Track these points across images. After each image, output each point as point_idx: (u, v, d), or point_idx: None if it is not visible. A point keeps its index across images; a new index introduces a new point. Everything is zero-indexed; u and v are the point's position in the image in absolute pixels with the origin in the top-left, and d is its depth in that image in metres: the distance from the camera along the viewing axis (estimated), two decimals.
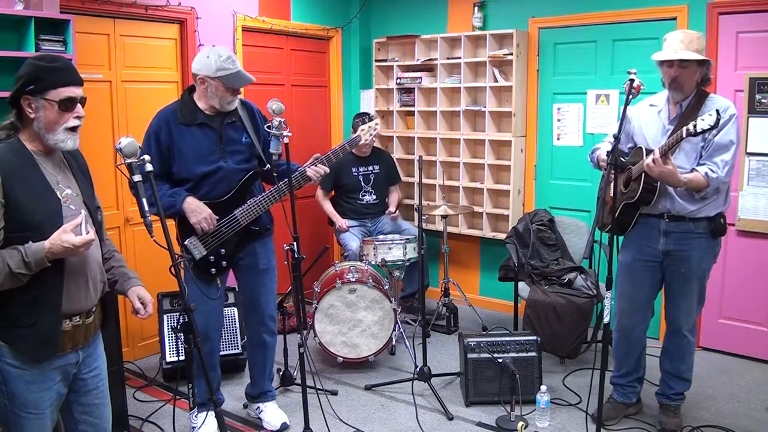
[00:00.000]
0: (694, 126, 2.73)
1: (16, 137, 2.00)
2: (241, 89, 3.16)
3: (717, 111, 2.70)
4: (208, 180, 3.11)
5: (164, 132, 3.06)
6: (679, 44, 2.94)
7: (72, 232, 1.90)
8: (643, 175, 3.00)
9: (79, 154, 2.22)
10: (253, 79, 3.13)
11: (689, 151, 3.00)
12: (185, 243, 3.12)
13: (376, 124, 3.52)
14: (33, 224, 1.92)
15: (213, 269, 3.14)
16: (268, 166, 3.09)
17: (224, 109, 3.10)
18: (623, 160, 3.24)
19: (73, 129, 2.01)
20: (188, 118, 3.08)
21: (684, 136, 2.78)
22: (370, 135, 3.49)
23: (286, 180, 3.08)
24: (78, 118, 2.02)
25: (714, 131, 2.89)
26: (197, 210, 3.04)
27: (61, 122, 1.98)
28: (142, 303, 2.23)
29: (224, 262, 3.16)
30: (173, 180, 3.13)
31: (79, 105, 2.02)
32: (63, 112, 1.98)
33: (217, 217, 3.09)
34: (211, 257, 3.13)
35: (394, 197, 5.13)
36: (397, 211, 5.05)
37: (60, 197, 2.00)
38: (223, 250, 3.14)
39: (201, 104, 3.12)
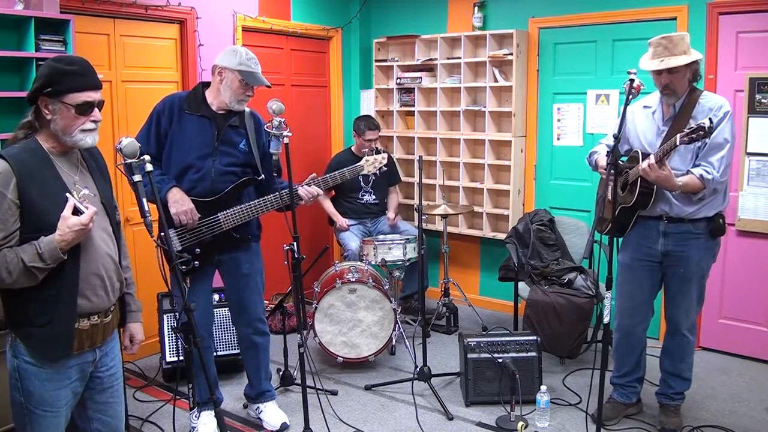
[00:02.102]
0: (690, 138, 2.72)
1: (33, 137, 2.02)
2: (254, 92, 3.14)
3: (710, 120, 2.70)
4: (192, 174, 3.08)
5: (166, 115, 3.08)
6: (664, 51, 2.93)
7: (73, 216, 1.91)
8: (639, 179, 3.01)
9: (99, 153, 2.23)
10: (269, 84, 3.15)
11: (684, 153, 3.00)
12: (161, 233, 3.11)
13: (383, 158, 3.42)
14: (48, 225, 1.92)
15: (183, 267, 3.12)
16: (262, 176, 3.10)
17: (232, 107, 3.09)
18: (620, 163, 3.24)
19: (90, 129, 2.03)
20: (193, 107, 3.11)
21: (677, 144, 2.78)
22: (375, 168, 3.40)
23: (276, 194, 3.10)
24: (94, 121, 2.03)
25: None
26: (179, 201, 3.02)
27: (77, 125, 2.00)
28: (131, 341, 2.33)
29: (196, 262, 3.12)
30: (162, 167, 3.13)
31: (96, 109, 2.03)
32: (79, 116, 1.99)
33: (199, 216, 3.07)
34: (184, 254, 3.11)
35: (393, 201, 5.12)
36: (396, 217, 5.03)
37: (76, 198, 2.01)
38: (197, 250, 3.11)
39: (210, 98, 3.13)
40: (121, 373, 2.27)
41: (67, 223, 1.90)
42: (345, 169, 3.39)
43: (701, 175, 2.93)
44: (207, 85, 3.17)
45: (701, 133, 2.70)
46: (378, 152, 3.45)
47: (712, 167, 2.94)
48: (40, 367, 1.99)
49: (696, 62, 2.98)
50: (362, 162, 3.40)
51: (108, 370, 2.19)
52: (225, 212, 3.11)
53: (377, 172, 3.45)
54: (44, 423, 2.02)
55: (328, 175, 3.31)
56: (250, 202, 3.14)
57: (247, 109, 3.19)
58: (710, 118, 2.72)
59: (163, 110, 3.10)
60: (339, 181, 3.34)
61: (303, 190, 3.17)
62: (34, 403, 2.00)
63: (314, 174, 3.27)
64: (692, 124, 2.96)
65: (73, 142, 2.01)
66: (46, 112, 1.99)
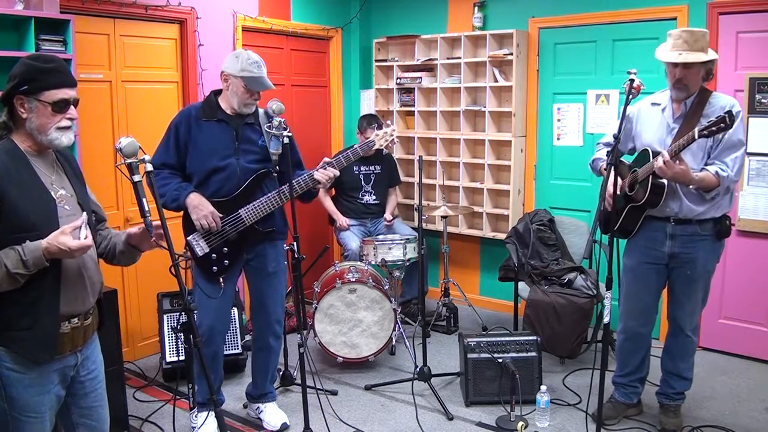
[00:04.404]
0: (710, 131, 2.71)
1: (9, 137, 1.99)
2: (260, 95, 3.17)
3: (730, 112, 2.68)
4: (218, 176, 3.12)
5: (184, 126, 3.14)
6: (683, 44, 2.90)
7: (70, 235, 1.89)
8: (650, 177, 2.99)
9: (72, 156, 2.21)
10: (273, 87, 3.16)
11: (696, 151, 2.98)
12: (188, 239, 3.13)
13: (393, 131, 3.37)
14: (28, 225, 1.90)
15: (214, 267, 3.14)
16: (277, 168, 3.12)
17: (241, 111, 3.14)
18: (625, 161, 3.24)
19: (66, 127, 2.00)
20: (209, 114, 3.16)
21: (696, 137, 2.76)
22: (385, 141, 3.35)
23: (282, 188, 3.11)
24: (70, 119, 2.01)
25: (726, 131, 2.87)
26: (199, 206, 3.06)
27: (53, 123, 1.97)
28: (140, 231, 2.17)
29: (226, 261, 3.15)
30: (186, 174, 3.18)
31: (72, 107, 2.01)
32: (56, 114, 1.97)
33: (221, 216, 3.09)
34: (213, 255, 3.13)
35: (391, 202, 5.12)
36: (393, 219, 5.02)
37: (54, 197, 1.99)
38: (225, 249, 3.14)
39: (224, 104, 3.18)
40: (103, 376, 2.23)
41: (59, 238, 1.87)
42: (356, 145, 3.35)
43: (716, 172, 2.90)
44: (219, 92, 3.22)
45: (722, 125, 2.68)
46: (388, 125, 3.39)
47: (727, 166, 2.92)
48: (22, 373, 1.96)
49: (712, 62, 2.96)
50: (372, 137, 3.35)
51: (89, 374, 2.16)
52: (245, 207, 3.13)
53: (389, 144, 3.37)
54: (29, 429, 1.99)
55: (341, 155, 3.28)
56: (269, 194, 3.15)
57: (261, 110, 3.24)
58: (730, 110, 2.70)
59: (180, 121, 3.17)
60: (353, 159, 3.30)
61: (319, 174, 3.16)
62: (19, 410, 1.97)
63: (327, 158, 3.25)
64: (703, 122, 2.95)
65: (49, 141, 1.98)
66: (22, 111, 1.95)
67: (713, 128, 2.71)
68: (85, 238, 1.91)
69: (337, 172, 3.22)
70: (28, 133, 1.99)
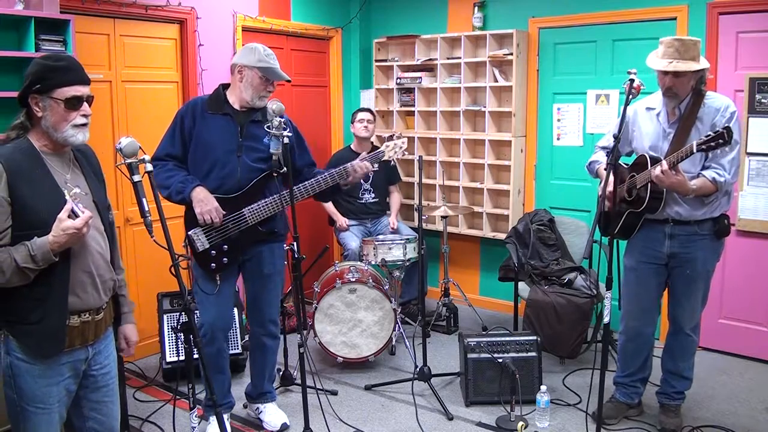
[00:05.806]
0: (708, 146, 2.72)
1: (25, 137, 2.03)
2: (274, 87, 3.18)
3: (728, 128, 2.69)
4: (219, 171, 3.10)
5: (189, 117, 3.13)
6: (675, 53, 2.90)
7: (68, 219, 1.91)
8: (649, 184, 3.00)
9: (92, 153, 2.25)
10: (289, 78, 3.18)
11: (693, 155, 2.99)
12: (189, 233, 3.12)
13: (403, 143, 3.34)
14: (39, 223, 1.93)
15: (213, 264, 3.14)
16: (284, 169, 3.07)
17: (254, 104, 3.12)
18: (624, 165, 3.24)
19: (82, 124, 2.04)
20: (215, 108, 3.15)
21: (695, 151, 2.78)
22: (395, 153, 3.33)
23: (305, 183, 3.14)
24: (85, 116, 2.04)
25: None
26: (204, 200, 3.04)
27: (68, 120, 2.01)
28: (127, 343, 2.33)
29: (225, 258, 3.14)
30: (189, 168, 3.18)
31: (85, 103, 2.04)
32: (69, 111, 2.00)
33: (224, 213, 3.09)
34: (213, 251, 3.13)
35: (395, 203, 5.11)
36: (397, 223, 5.02)
37: (67, 196, 2.01)
38: (225, 246, 3.13)
39: (231, 98, 3.16)
40: (115, 372, 2.26)
41: (61, 225, 1.90)
42: (367, 156, 3.34)
43: (713, 178, 2.92)
44: (227, 86, 3.20)
45: (720, 141, 2.69)
46: (398, 137, 3.39)
47: (723, 169, 2.93)
48: (32, 364, 2.00)
49: (703, 70, 2.96)
50: (382, 147, 3.35)
51: (101, 369, 2.18)
52: (250, 207, 3.12)
53: (399, 156, 3.38)
54: (36, 420, 2.03)
55: (355, 162, 3.28)
56: (275, 195, 3.14)
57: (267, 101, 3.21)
58: (728, 126, 2.71)
59: (186, 112, 3.15)
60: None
61: (355, 164, 3.19)
62: (26, 400, 2.01)
63: (364, 154, 3.30)
64: (699, 125, 2.95)
65: (64, 138, 2.02)
66: (37, 109, 2.00)
67: (711, 143, 2.73)
68: (82, 213, 1.93)
69: (371, 167, 3.24)
70: (43, 132, 2.03)
